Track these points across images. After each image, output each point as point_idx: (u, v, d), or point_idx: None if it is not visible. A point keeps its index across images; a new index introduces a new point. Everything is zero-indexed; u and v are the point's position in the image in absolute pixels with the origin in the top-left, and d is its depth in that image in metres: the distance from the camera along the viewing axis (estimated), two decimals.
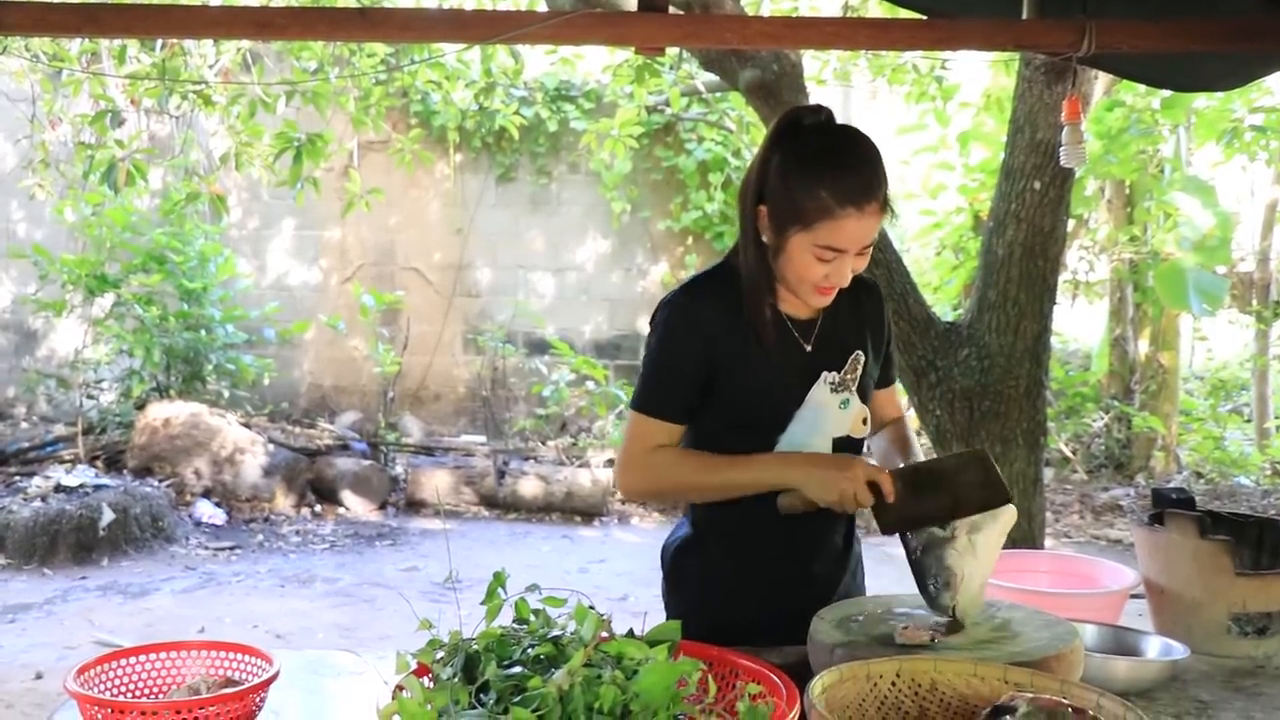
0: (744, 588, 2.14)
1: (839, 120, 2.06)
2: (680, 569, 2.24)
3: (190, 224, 8.31)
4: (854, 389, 2.13)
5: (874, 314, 2.21)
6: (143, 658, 1.80)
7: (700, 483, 2.10)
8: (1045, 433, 4.21)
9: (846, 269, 1.99)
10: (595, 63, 8.71)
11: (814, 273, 1.98)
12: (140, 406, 7.88)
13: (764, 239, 2.02)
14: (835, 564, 2.20)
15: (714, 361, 2.06)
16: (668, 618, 2.20)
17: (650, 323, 2.13)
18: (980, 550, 1.90)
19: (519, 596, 1.56)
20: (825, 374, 2.10)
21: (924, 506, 1.98)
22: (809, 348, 2.10)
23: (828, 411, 2.10)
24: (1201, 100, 7.54)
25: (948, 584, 1.86)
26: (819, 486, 2.00)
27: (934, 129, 8.10)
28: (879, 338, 2.21)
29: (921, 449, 2.33)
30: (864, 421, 2.15)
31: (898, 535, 2.01)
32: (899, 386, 2.37)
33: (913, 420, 8.56)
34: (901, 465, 2.10)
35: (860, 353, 2.14)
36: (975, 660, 1.61)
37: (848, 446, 2.14)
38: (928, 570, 1.90)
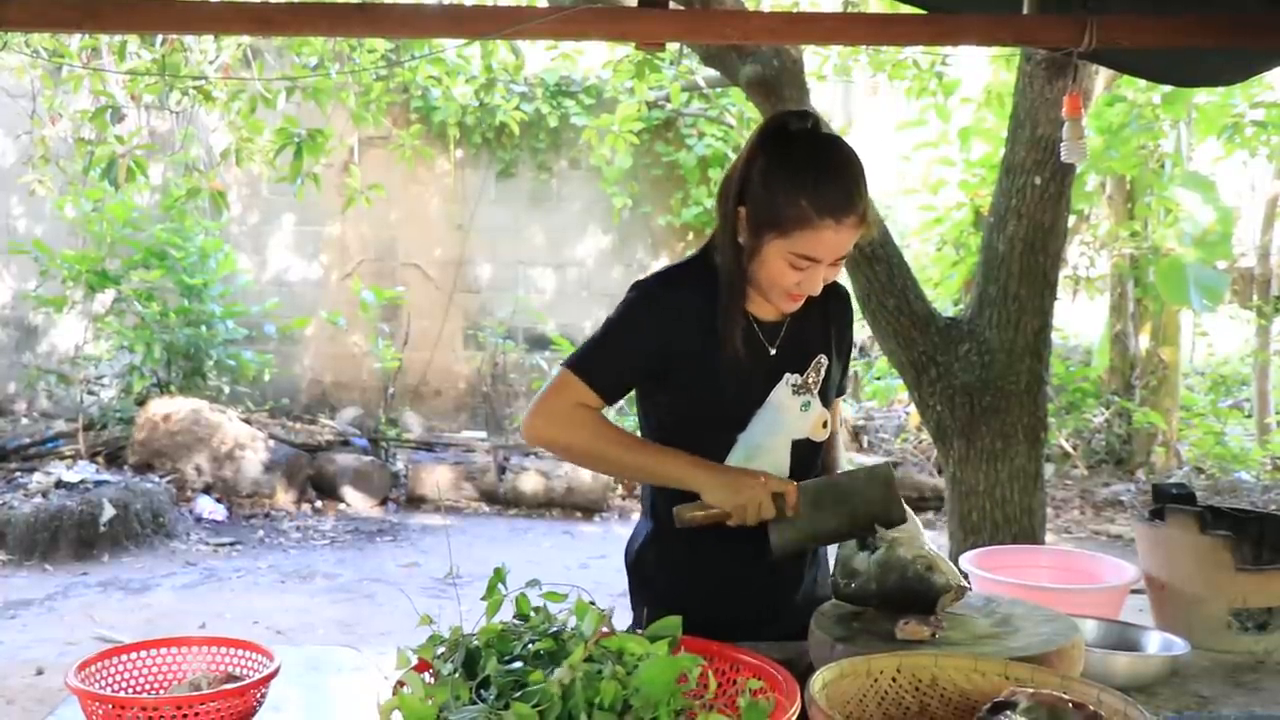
0: (704, 584, 2.12)
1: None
2: (641, 565, 2.23)
3: (191, 220, 8.30)
4: (815, 392, 2.12)
5: (840, 318, 2.21)
6: (143, 653, 1.80)
7: (610, 454, 2.08)
8: (1046, 428, 4.20)
9: (819, 278, 1.99)
10: (596, 58, 8.71)
11: (787, 280, 1.99)
12: (141, 402, 7.88)
13: (740, 241, 2.02)
14: (796, 563, 2.19)
15: (673, 355, 2.05)
16: (633, 616, 2.21)
17: (622, 300, 2.11)
18: (911, 529, 1.96)
19: (519, 592, 1.56)
20: (788, 376, 2.10)
21: (822, 524, 1.98)
22: (773, 350, 2.10)
23: (788, 413, 2.10)
24: (1202, 95, 7.53)
25: (930, 566, 1.85)
26: (722, 490, 1.98)
27: (935, 124, 8.09)
28: (843, 342, 2.22)
29: (843, 465, 2.32)
30: (824, 425, 2.14)
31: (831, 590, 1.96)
32: (840, 401, 2.33)
33: (913, 418, 8.56)
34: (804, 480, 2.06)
35: (824, 356, 2.14)
36: (976, 656, 1.61)
37: (808, 449, 2.13)
38: (901, 576, 1.85)
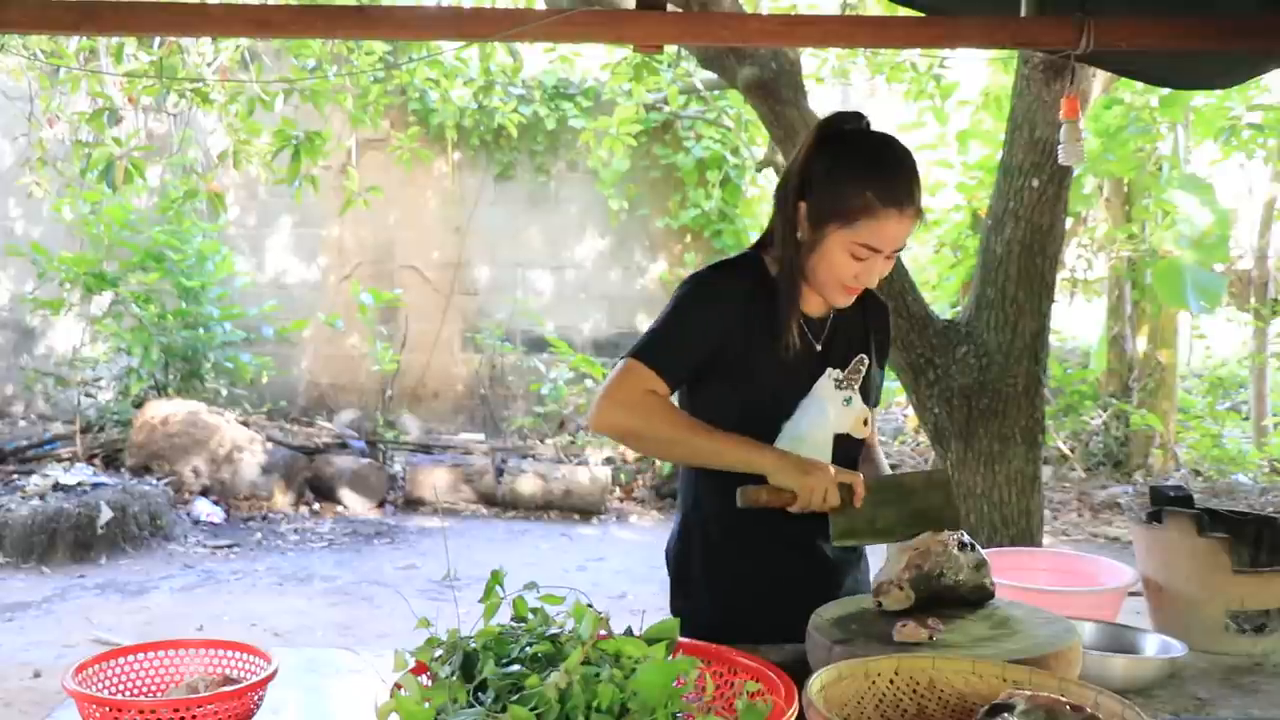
0: (747, 586, 2.15)
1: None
2: (683, 566, 2.25)
3: (188, 222, 8.30)
4: (856, 389, 2.17)
5: (880, 326, 2.28)
6: (141, 656, 1.80)
7: (679, 438, 2.08)
8: (1043, 430, 4.21)
9: (876, 271, 2.06)
10: (594, 60, 8.71)
11: (846, 271, 2.05)
12: (138, 405, 7.88)
13: (799, 236, 2.07)
14: (837, 562, 2.20)
15: (726, 343, 2.09)
16: (672, 614, 2.22)
17: (677, 290, 2.16)
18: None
19: (517, 594, 1.56)
20: (830, 370, 2.15)
21: (881, 520, 2.04)
22: (819, 346, 2.16)
23: (831, 405, 2.14)
24: (1199, 98, 7.54)
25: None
26: (790, 473, 2.01)
27: (932, 127, 8.10)
28: (883, 350, 2.28)
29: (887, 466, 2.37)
30: (865, 423, 2.18)
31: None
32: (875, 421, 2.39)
33: (911, 421, 8.57)
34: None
35: (865, 356, 2.19)
36: (973, 658, 1.61)
37: (849, 445, 2.17)
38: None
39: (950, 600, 1.90)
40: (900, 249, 2.06)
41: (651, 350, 2.09)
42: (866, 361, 2.19)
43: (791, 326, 2.10)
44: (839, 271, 2.05)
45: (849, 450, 2.17)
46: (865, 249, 2.01)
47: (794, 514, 2.04)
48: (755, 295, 2.11)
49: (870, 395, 2.22)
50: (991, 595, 1.94)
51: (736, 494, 2.04)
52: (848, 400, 2.16)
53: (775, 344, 2.09)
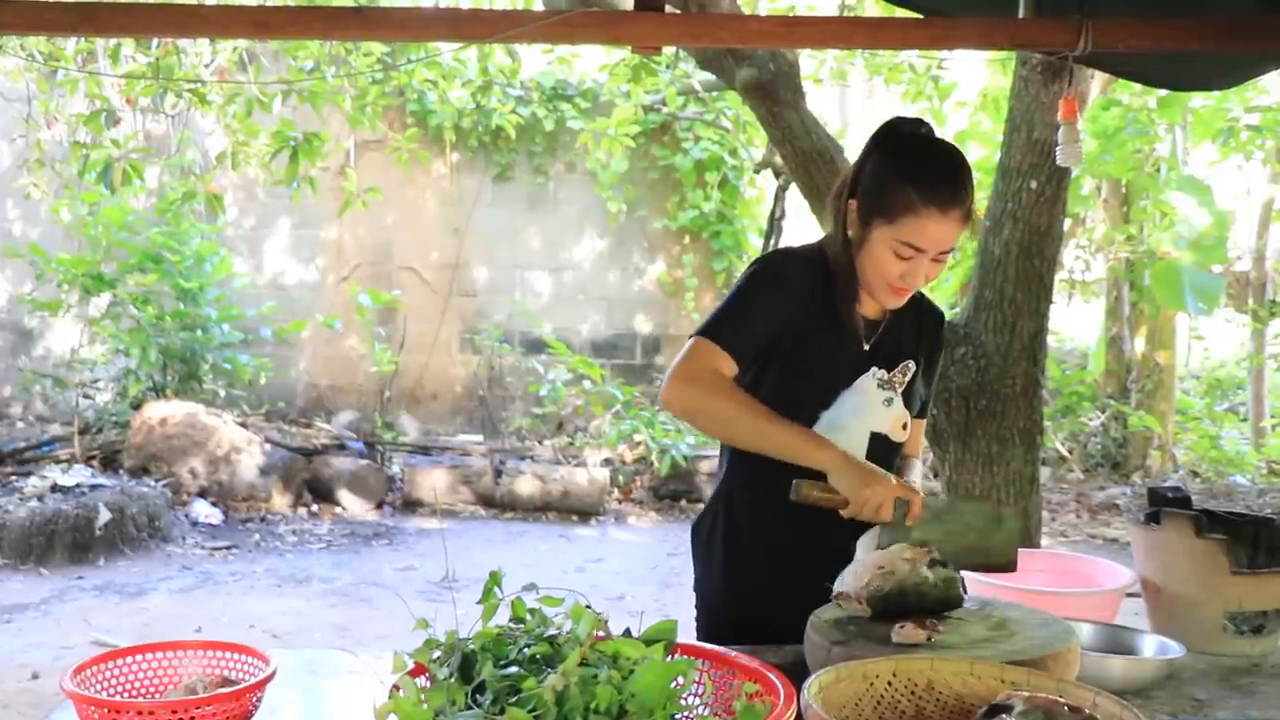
0: (763, 572, 2.19)
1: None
2: (708, 545, 2.28)
3: (186, 223, 8.30)
4: (899, 392, 2.19)
5: (931, 337, 2.30)
6: (139, 658, 1.79)
7: (745, 421, 2.07)
8: (1042, 432, 4.21)
9: (921, 271, 2.06)
10: (592, 62, 8.72)
11: (891, 270, 2.06)
12: (136, 406, 7.87)
13: (849, 234, 2.11)
14: None
15: (786, 329, 2.12)
16: (696, 599, 2.29)
17: (745, 272, 2.19)
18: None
19: (515, 596, 1.56)
20: (875, 369, 2.17)
21: (932, 540, 1.98)
22: (867, 346, 2.18)
23: (872, 402, 2.16)
24: (1198, 99, 7.55)
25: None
26: (849, 478, 1.99)
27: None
28: (932, 361, 2.30)
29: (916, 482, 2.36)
30: (903, 427, 2.20)
31: None
32: (922, 431, 2.40)
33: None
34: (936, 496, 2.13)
35: (911, 362, 2.22)
36: (972, 659, 1.61)
37: (884, 445, 2.18)
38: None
39: (915, 608, 1.86)
40: (947, 251, 2.06)
41: (719, 329, 2.11)
42: (913, 368, 2.22)
43: (847, 322, 2.13)
44: (884, 270, 2.07)
45: (885, 451, 2.18)
46: (909, 248, 2.03)
47: (843, 517, 2.03)
48: (816, 287, 2.14)
49: (913, 403, 2.24)
50: (960, 604, 1.89)
51: (791, 487, 2.02)
52: (888, 401, 2.18)
53: (828, 337, 2.13)
